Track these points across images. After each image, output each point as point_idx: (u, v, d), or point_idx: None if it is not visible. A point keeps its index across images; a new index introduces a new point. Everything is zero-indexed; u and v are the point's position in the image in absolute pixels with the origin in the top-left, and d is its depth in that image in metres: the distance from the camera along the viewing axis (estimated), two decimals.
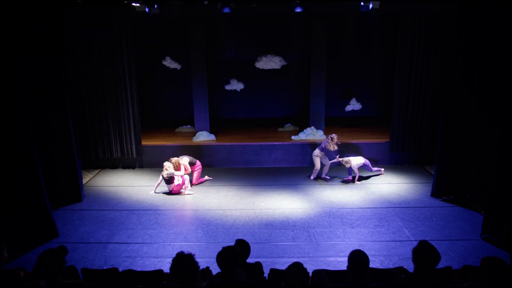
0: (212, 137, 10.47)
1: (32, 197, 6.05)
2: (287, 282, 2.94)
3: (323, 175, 8.90)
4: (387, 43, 10.56)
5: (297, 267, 2.95)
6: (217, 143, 10.13)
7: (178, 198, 8.03)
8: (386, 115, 10.75)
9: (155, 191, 8.25)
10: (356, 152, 9.62)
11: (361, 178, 8.77)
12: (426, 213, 7.12)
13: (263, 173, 9.44)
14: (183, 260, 2.76)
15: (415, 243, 3.16)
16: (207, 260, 4.12)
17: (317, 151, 8.78)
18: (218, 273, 3.37)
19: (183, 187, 8.17)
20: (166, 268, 3.46)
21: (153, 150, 9.89)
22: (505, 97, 5.73)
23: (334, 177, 8.96)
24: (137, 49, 10.13)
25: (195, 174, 8.69)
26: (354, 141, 9.91)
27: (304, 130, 10.39)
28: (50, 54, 6.88)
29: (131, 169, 9.93)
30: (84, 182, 8.71)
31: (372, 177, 8.95)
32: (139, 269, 4.78)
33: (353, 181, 8.64)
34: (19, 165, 5.86)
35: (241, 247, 3.77)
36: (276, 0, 9.23)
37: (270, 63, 11.12)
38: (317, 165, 8.80)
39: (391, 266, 5.35)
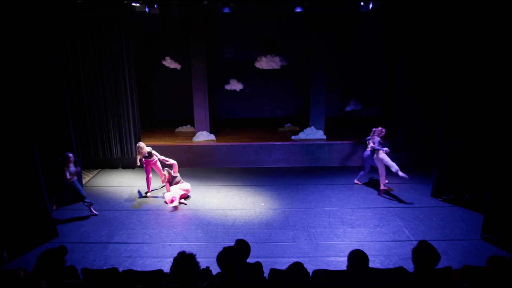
0: (212, 137, 10.47)
1: (32, 197, 6.06)
2: (287, 282, 2.94)
3: (382, 186, 8.16)
4: (387, 43, 10.56)
5: (297, 267, 2.95)
6: (217, 143, 10.12)
7: None
8: (386, 115, 10.75)
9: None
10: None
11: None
12: (426, 213, 7.12)
13: (263, 173, 9.44)
14: (184, 260, 2.76)
15: (415, 243, 3.15)
16: (207, 260, 4.12)
17: (380, 153, 7.80)
18: (218, 273, 3.37)
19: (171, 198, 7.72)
20: (166, 268, 3.47)
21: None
22: (506, 97, 5.73)
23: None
24: (137, 49, 10.13)
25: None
26: (354, 141, 9.90)
27: (304, 130, 10.40)
28: (50, 54, 6.88)
29: (131, 169, 9.93)
30: (84, 182, 8.72)
31: (371, 177, 8.95)
32: (139, 269, 4.78)
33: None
34: (19, 165, 5.86)
35: (241, 247, 3.76)
36: (276, 0, 9.24)
37: (270, 63, 11.14)
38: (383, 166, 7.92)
39: (391, 266, 5.35)
